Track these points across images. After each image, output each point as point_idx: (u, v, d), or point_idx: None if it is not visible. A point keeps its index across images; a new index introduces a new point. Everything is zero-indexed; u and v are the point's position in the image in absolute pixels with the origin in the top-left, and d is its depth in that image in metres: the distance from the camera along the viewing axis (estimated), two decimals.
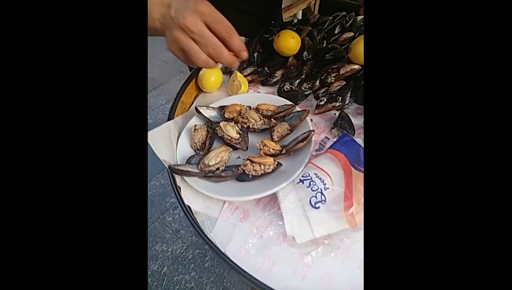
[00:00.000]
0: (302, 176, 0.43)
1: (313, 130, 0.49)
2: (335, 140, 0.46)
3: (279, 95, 0.65)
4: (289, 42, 0.64)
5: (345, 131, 0.51)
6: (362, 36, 0.58)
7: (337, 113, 0.58)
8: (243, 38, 0.78)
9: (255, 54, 0.71)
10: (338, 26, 0.73)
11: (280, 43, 0.64)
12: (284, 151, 0.49)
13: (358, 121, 0.57)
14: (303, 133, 0.50)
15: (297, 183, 0.42)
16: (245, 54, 0.45)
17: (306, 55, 0.67)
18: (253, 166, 0.46)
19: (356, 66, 0.58)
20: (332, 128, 0.55)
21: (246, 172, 0.46)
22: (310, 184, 0.41)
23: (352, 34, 0.69)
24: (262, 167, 0.46)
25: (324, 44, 0.70)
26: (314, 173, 0.43)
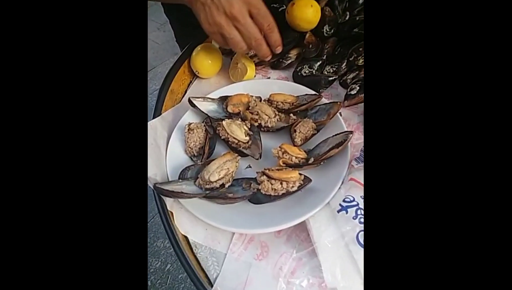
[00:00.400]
0: (344, 201, 0.31)
1: (351, 132, 0.36)
2: None
3: (295, 81, 0.51)
4: (307, 13, 0.49)
5: None
6: None
7: None
8: None
9: None
10: None
11: (295, 14, 0.50)
12: (312, 160, 0.36)
13: None
14: (336, 135, 0.38)
15: (338, 212, 0.30)
16: (280, 49, 0.46)
17: (327, 29, 0.53)
18: (271, 184, 0.33)
19: None
20: None
21: (263, 192, 0.34)
22: (356, 214, 0.29)
23: None
24: (285, 185, 0.33)
25: (348, 16, 0.55)
26: (361, 196, 0.30)
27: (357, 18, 0.52)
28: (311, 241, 0.30)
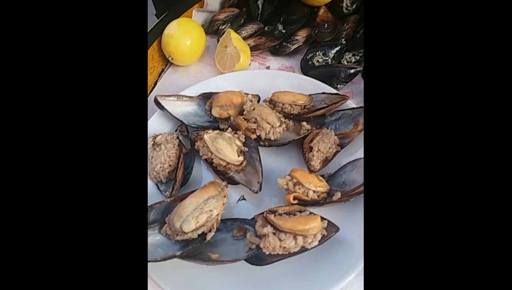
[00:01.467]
0: None
1: None
2: None
3: (303, 72, 0.39)
4: None
5: None
6: None
7: None
8: None
9: (259, 2, 0.43)
10: None
11: None
12: (339, 195, 0.24)
13: None
14: None
15: None
16: None
17: (348, 4, 0.41)
18: (280, 239, 0.21)
19: None
20: None
21: (265, 251, 0.21)
22: None
23: None
24: (300, 240, 0.21)
25: None
26: None
27: None
28: None
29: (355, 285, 0.24)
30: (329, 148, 0.28)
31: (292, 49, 0.41)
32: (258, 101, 0.32)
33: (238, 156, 0.27)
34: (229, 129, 0.30)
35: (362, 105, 0.31)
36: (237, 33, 0.41)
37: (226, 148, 0.27)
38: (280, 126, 0.30)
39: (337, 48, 0.40)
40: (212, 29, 0.45)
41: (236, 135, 0.28)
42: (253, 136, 0.29)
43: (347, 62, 0.39)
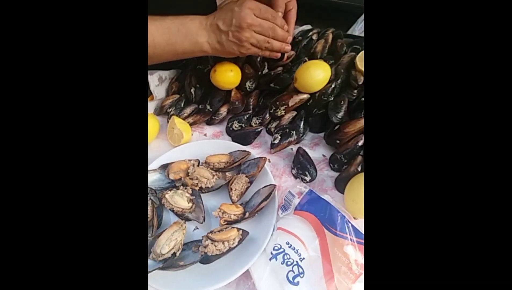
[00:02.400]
0: (274, 249, 0.38)
1: (275, 185, 0.44)
2: (300, 200, 0.41)
3: (228, 134, 0.58)
4: (228, 77, 0.57)
5: (307, 178, 0.48)
6: (307, 62, 0.54)
7: (294, 148, 0.54)
8: (174, 70, 0.68)
9: (192, 90, 0.63)
10: None
11: (218, 79, 0.57)
12: (247, 214, 0.43)
13: (316, 154, 0.54)
14: (264, 187, 0.45)
15: (270, 260, 0.37)
16: (289, 35, 0.53)
17: (250, 85, 0.62)
18: (215, 245, 0.39)
19: (304, 96, 0.55)
20: (292, 168, 0.51)
21: (209, 254, 0.39)
22: (284, 259, 0.37)
23: (294, 52, 0.65)
24: (226, 243, 0.39)
25: (266, 68, 0.64)
26: (286, 242, 0.38)
27: (272, 73, 0.61)
28: (254, 285, 0.37)
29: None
30: (242, 186, 0.47)
31: (218, 120, 0.59)
32: (198, 164, 0.51)
33: (188, 203, 0.45)
34: (181, 186, 0.48)
35: (260, 157, 0.51)
36: (180, 115, 0.60)
37: (180, 200, 0.44)
38: (213, 178, 0.48)
39: (247, 116, 0.58)
40: (162, 112, 0.63)
41: (186, 189, 0.46)
42: (197, 188, 0.47)
43: (254, 124, 0.57)
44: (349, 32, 1.84)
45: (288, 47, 0.54)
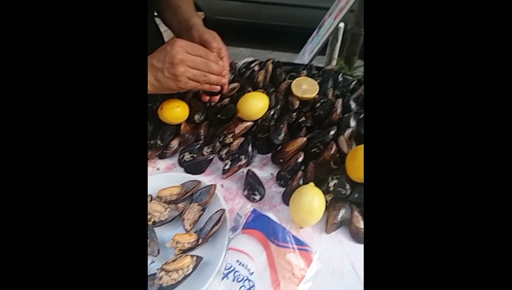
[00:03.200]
0: (226, 269, 0.40)
1: (223, 209, 0.47)
2: (246, 219, 0.45)
3: (180, 166, 0.61)
4: (175, 113, 0.60)
5: (256, 197, 0.52)
6: (246, 94, 0.60)
7: (245, 170, 0.58)
8: None
9: None
10: None
11: (165, 116, 0.60)
12: (200, 240, 0.45)
13: (265, 174, 0.59)
14: (216, 212, 0.48)
15: (222, 279, 0.39)
16: (225, 71, 0.59)
17: (198, 117, 0.66)
18: (170, 275, 0.40)
19: (248, 123, 0.60)
20: (244, 190, 0.55)
21: (164, 285, 0.40)
22: (234, 276, 0.39)
23: (238, 84, 0.71)
24: (181, 272, 0.41)
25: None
26: (236, 260, 0.41)
27: (219, 105, 0.66)
28: None
29: None
30: (194, 214, 0.49)
31: (170, 153, 0.61)
32: (150, 200, 0.52)
33: None
34: None
35: (211, 184, 0.54)
36: None
37: None
38: (165, 211, 0.50)
39: (198, 146, 0.62)
40: None
41: None
42: (150, 223, 0.49)
43: (206, 153, 0.61)
44: (301, 51, 2.00)
45: (225, 80, 0.58)
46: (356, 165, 0.44)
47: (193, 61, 0.52)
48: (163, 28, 0.79)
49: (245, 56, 0.85)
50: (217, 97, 0.62)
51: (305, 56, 1.87)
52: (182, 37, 0.56)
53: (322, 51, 1.77)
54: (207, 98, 0.62)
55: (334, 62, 1.81)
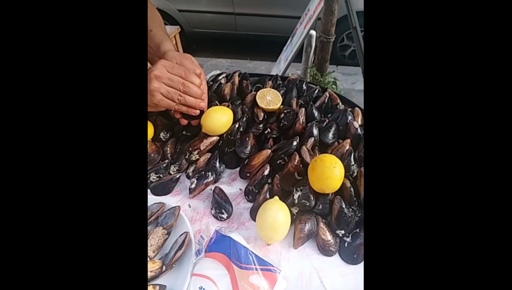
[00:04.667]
0: None
1: (187, 232, 0.46)
2: (208, 243, 0.43)
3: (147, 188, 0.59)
4: None
5: (224, 216, 0.51)
6: (209, 109, 0.60)
7: (213, 187, 0.57)
8: None
9: None
10: None
11: None
12: (164, 268, 0.43)
13: (234, 189, 0.57)
14: (180, 235, 0.46)
15: None
16: (202, 85, 0.58)
17: (164, 135, 0.64)
18: None
19: (213, 138, 0.59)
20: (211, 209, 0.54)
21: None
22: None
23: None
24: None
25: None
26: (199, 287, 0.39)
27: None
28: None
29: None
30: (159, 239, 0.47)
31: None
32: None
33: None
34: None
35: (175, 206, 0.52)
36: None
37: None
38: None
39: (165, 165, 0.61)
40: None
41: None
42: None
43: (172, 172, 0.60)
44: (278, 59, 2.03)
45: (204, 104, 0.57)
46: (316, 175, 0.43)
47: (169, 79, 0.52)
48: None
49: (224, 67, 0.85)
50: (197, 121, 0.60)
51: (281, 64, 1.89)
52: (153, 63, 0.56)
53: (298, 59, 1.81)
54: (185, 121, 0.60)
55: (308, 70, 1.84)
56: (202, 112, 0.59)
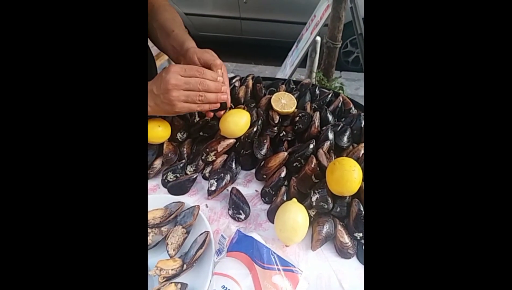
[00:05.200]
0: None
1: (208, 231, 0.46)
2: (229, 241, 0.44)
3: (164, 187, 0.59)
4: (157, 132, 0.60)
5: (241, 217, 0.51)
6: (227, 112, 0.60)
7: (230, 189, 0.57)
8: None
9: None
10: None
11: (147, 136, 0.59)
12: (185, 266, 0.44)
13: (250, 190, 0.58)
14: (200, 235, 0.47)
15: None
16: (224, 87, 0.57)
17: (181, 136, 0.65)
18: None
19: (231, 141, 0.60)
20: (228, 209, 0.54)
21: None
22: None
23: None
24: None
25: (196, 117, 0.69)
26: (222, 286, 0.40)
27: (201, 122, 0.66)
28: None
29: None
30: (179, 238, 0.48)
31: (153, 174, 0.60)
32: None
33: None
34: None
35: (195, 205, 0.53)
36: None
37: None
38: (148, 236, 0.49)
39: (182, 165, 0.62)
40: None
41: None
42: None
43: (189, 172, 0.60)
44: (283, 64, 2.05)
45: (224, 96, 0.57)
46: (335, 178, 0.44)
47: (186, 83, 0.52)
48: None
49: (229, 70, 0.86)
50: (222, 112, 0.60)
51: (286, 69, 1.91)
52: (179, 61, 0.57)
53: (302, 64, 1.83)
54: (211, 114, 0.61)
55: (313, 75, 1.86)
56: (225, 104, 0.59)
